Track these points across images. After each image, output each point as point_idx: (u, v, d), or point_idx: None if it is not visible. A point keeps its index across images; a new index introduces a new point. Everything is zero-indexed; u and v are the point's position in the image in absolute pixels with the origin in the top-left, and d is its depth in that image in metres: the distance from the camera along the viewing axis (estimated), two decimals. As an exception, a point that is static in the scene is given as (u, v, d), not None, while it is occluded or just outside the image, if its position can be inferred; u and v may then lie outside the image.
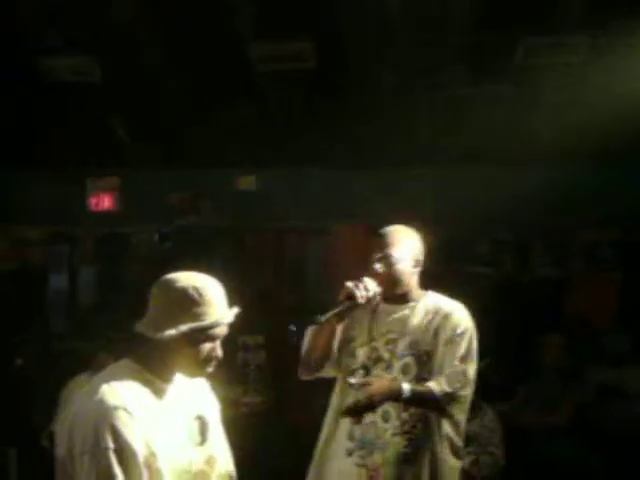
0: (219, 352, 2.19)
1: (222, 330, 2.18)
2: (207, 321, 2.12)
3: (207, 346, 2.15)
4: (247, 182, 6.68)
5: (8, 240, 6.91)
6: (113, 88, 5.24)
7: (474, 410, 4.16)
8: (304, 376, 3.03)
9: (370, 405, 2.75)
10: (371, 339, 2.94)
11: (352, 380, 2.80)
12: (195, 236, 6.68)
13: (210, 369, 2.21)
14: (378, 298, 2.90)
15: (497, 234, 6.74)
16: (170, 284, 2.14)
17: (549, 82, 5.22)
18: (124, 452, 1.99)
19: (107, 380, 2.08)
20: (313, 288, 7.01)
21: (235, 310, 2.21)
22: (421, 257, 2.96)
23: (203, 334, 2.13)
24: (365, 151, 6.10)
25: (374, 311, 2.98)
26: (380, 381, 2.78)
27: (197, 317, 2.11)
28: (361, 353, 2.94)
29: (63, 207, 6.65)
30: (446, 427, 2.85)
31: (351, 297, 2.80)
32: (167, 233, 6.90)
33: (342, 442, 2.89)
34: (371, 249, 2.93)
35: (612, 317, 6.00)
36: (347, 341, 2.98)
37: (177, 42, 5.00)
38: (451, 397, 2.79)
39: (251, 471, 2.49)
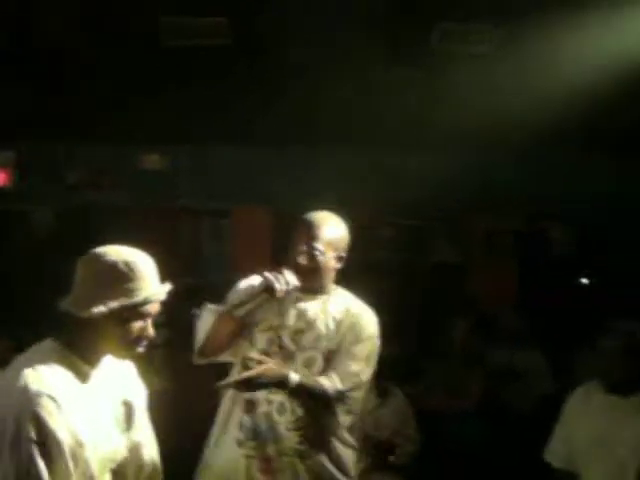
0: (151, 331, 2.07)
1: (154, 307, 2.06)
2: (139, 297, 1.99)
3: (138, 324, 2.03)
4: (151, 160, 6.51)
5: None
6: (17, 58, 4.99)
7: (385, 394, 4.20)
8: (199, 362, 2.83)
9: (256, 379, 2.58)
10: (277, 326, 2.78)
11: (251, 355, 2.65)
12: (95, 214, 6.45)
13: (141, 349, 2.08)
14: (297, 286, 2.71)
15: (399, 219, 6.81)
16: (98, 258, 2.01)
17: (461, 69, 5.25)
18: (48, 443, 1.86)
19: (30, 364, 1.93)
20: (213, 269, 6.93)
21: (168, 286, 2.09)
22: (345, 253, 2.79)
23: (134, 311, 2.00)
24: (273, 130, 6.01)
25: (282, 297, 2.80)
26: (275, 363, 2.64)
27: (128, 293, 1.98)
28: (262, 338, 2.78)
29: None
30: (341, 421, 2.76)
31: (269, 289, 2.62)
32: (66, 211, 6.64)
33: (233, 432, 2.76)
34: (296, 237, 2.72)
35: (510, 301, 6.15)
36: (248, 325, 2.80)
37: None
38: (343, 396, 2.69)
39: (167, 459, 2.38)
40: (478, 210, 6.43)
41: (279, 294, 2.62)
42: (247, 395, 2.73)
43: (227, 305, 2.76)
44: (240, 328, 2.77)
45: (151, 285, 2.04)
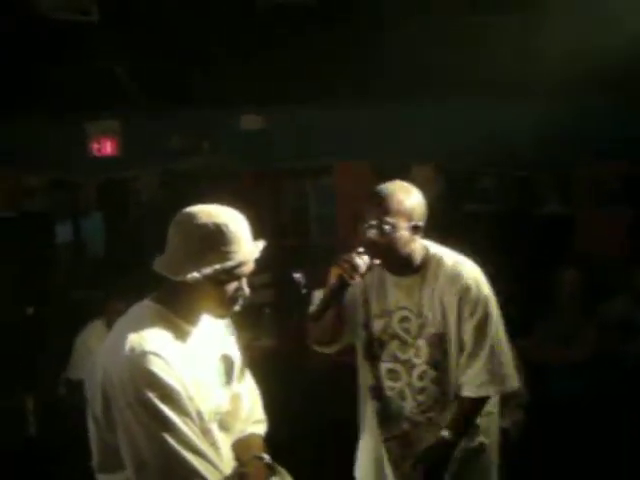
0: (246, 290, 2.07)
1: (249, 268, 2.05)
2: (233, 261, 1.99)
3: (233, 285, 2.03)
4: (250, 121, 6.54)
5: (9, 187, 6.80)
6: (112, 27, 5.06)
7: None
8: (322, 351, 2.80)
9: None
10: (384, 313, 2.73)
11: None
12: (198, 178, 6.57)
13: (237, 308, 2.09)
14: (377, 264, 2.60)
15: (501, 170, 6.64)
16: (190, 221, 2.00)
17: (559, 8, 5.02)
18: (169, 395, 1.90)
19: (133, 327, 1.97)
20: (318, 229, 6.96)
21: (261, 244, 2.08)
22: (421, 221, 2.62)
23: (229, 274, 2.00)
24: (366, 87, 5.91)
25: (382, 280, 2.72)
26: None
27: (221, 257, 1.98)
28: (377, 325, 2.74)
29: (64, 153, 6.52)
30: None
31: (342, 281, 2.53)
32: (170, 176, 6.79)
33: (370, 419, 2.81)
34: (366, 211, 2.58)
35: (622, 252, 5.93)
36: (364, 308, 2.76)
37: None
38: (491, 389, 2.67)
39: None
40: (584, 158, 6.20)
41: (351, 281, 2.52)
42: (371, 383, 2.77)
43: (311, 312, 2.68)
44: (341, 313, 2.69)
45: (244, 246, 2.02)
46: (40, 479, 4.38)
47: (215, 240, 1.98)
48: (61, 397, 5.08)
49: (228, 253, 1.98)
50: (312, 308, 2.72)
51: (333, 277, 2.54)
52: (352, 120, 6.31)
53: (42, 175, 6.82)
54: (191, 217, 2.01)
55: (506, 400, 3.99)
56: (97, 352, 2.05)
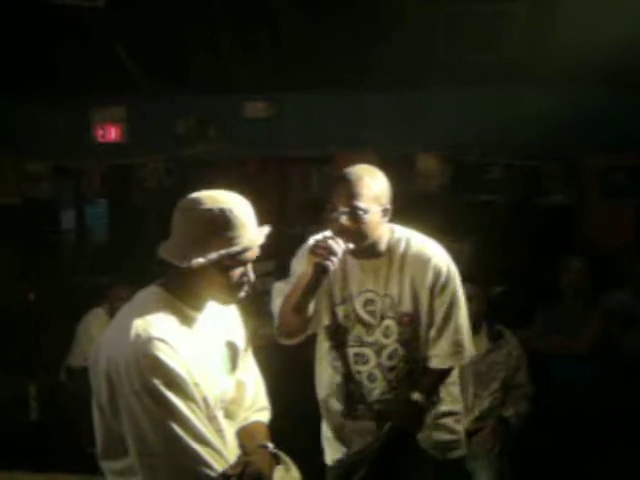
0: (251, 276, 2.07)
1: (254, 253, 2.05)
2: (237, 246, 1.98)
3: (238, 271, 2.02)
4: (255, 108, 6.51)
5: (12, 174, 6.79)
6: (117, 12, 5.05)
7: (498, 338, 4.12)
8: (285, 342, 2.78)
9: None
10: (346, 298, 2.74)
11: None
12: (203, 165, 6.55)
13: (242, 294, 2.08)
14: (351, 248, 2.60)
15: (507, 160, 6.61)
16: (195, 206, 1.99)
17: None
18: (174, 381, 1.90)
19: (138, 313, 1.96)
20: (319, 216, 6.93)
21: (266, 230, 2.07)
22: (389, 204, 2.64)
23: (234, 259, 1.99)
24: (372, 75, 5.89)
25: (344, 265, 2.70)
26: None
27: (226, 242, 1.97)
28: (339, 312, 2.76)
29: (68, 140, 6.51)
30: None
31: (320, 268, 2.50)
32: (176, 163, 6.77)
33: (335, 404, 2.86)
34: (335, 197, 2.57)
35: (628, 242, 5.90)
36: (327, 296, 2.74)
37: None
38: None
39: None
40: (592, 148, 6.16)
41: (332, 267, 2.51)
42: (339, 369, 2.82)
43: (286, 303, 2.66)
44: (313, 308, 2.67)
45: (249, 231, 2.01)
46: (42, 464, 4.38)
47: (220, 225, 1.97)
48: (62, 384, 5.09)
49: (233, 238, 1.98)
50: (278, 301, 2.72)
51: (310, 266, 2.54)
52: (358, 108, 6.28)
53: (46, 162, 6.79)
54: (196, 203, 2.00)
55: (510, 390, 4.02)
56: (101, 339, 2.04)
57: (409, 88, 5.98)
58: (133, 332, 1.91)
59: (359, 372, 2.78)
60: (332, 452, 2.93)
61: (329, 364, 2.85)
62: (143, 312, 1.96)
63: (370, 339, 2.75)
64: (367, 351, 2.76)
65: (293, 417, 3.80)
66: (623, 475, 4.02)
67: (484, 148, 6.16)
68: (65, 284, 6.47)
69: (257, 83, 6.06)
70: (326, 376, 2.88)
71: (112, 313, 4.44)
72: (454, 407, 2.90)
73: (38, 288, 6.20)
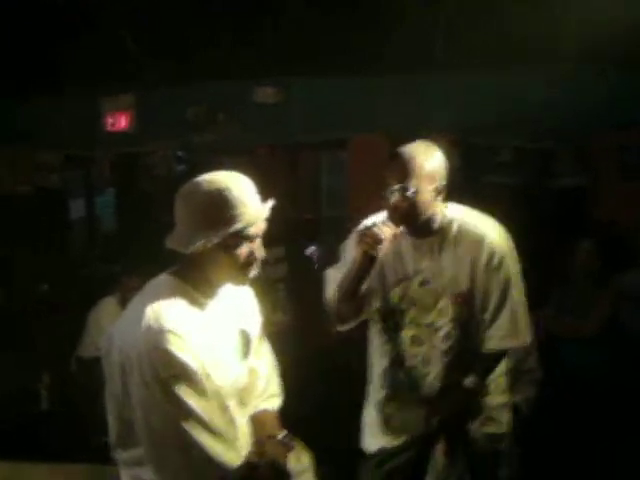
0: (260, 252, 2.05)
1: (259, 227, 2.03)
2: (239, 224, 1.96)
3: (245, 249, 2.01)
4: (264, 94, 6.48)
5: (23, 164, 6.80)
6: (125, 1, 5.04)
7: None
8: (342, 329, 2.78)
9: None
10: (402, 279, 2.69)
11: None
12: (212, 152, 6.53)
13: (253, 272, 2.07)
14: (400, 232, 2.60)
15: (519, 142, 6.56)
16: (193, 191, 1.99)
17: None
18: (185, 374, 1.90)
19: (150, 303, 1.95)
20: (332, 203, 6.92)
21: (269, 204, 2.04)
22: (444, 182, 2.59)
23: (239, 237, 1.98)
24: (382, 59, 5.85)
25: (397, 246, 2.68)
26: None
27: (228, 221, 1.95)
28: (394, 295, 2.71)
29: (78, 129, 6.51)
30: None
31: (368, 255, 2.53)
32: (185, 151, 6.77)
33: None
34: (388, 175, 2.53)
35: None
36: (380, 279, 2.71)
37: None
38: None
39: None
40: (604, 128, 6.11)
41: (378, 254, 2.53)
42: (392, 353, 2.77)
43: (342, 292, 2.67)
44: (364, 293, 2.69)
45: (250, 207, 2.00)
46: (52, 454, 4.41)
47: (219, 206, 1.96)
48: (73, 374, 5.10)
49: (234, 217, 1.96)
50: (331, 288, 2.72)
51: (358, 254, 2.54)
52: (367, 92, 6.24)
53: (56, 151, 6.80)
54: (193, 188, 2.00)
55: (519, 375, 3.99)
56: (112, 330, 2.04)
57: (418, 70, 5.94)
58: (144, 324, 1.91)
59: (415, 355, 2.72)
60: (373, 440, 2.87)
61: (378, 348, 2.81)
62: (154, 302, 1.95)
63: (426, 320, 2.69)
64: (423, 333, 2.71)
65: (306, 403, 3.80)
66: (634, 458, 3.99)
67: (495, 130, 6.11)
68: (76, 273, 6.49)
69: (265, 69, 6.03)
70: (375, 359, 2.85)
71: (124, 303, 4.44)
72: (503, 399, 2.85)
73: (50, 278, 6.22)
